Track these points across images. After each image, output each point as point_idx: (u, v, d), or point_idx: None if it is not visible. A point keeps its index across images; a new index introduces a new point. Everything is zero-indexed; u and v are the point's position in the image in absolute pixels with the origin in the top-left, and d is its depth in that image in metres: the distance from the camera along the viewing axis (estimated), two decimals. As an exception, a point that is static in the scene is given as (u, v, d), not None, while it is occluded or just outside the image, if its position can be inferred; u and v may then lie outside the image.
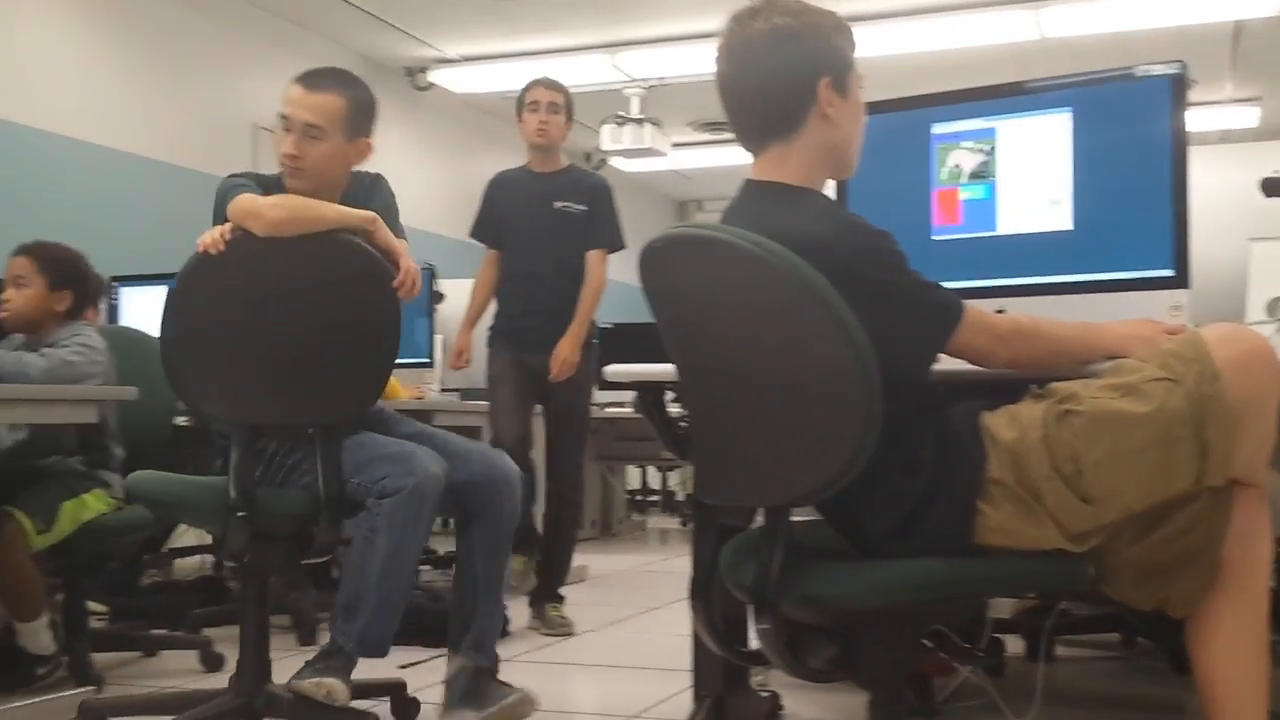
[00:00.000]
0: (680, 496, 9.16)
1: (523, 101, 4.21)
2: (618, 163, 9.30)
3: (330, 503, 2.45)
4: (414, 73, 8.32)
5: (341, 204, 2.60)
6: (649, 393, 2.30)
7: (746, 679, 2.66)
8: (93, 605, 3.60)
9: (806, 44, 1.85)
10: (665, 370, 2.15)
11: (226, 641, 3.55)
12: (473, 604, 2.74)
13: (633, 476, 8.84)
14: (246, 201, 2.45)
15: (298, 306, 2.43)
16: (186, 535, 4.78)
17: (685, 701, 2.70)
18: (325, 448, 2.45)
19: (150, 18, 6.43)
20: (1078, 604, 3.28)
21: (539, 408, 4.26)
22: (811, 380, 1.65)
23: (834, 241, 1.72)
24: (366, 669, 2.56)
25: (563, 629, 4.08)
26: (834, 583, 1.70)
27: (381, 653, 2.52)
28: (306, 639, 3.77)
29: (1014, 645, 3.23)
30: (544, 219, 4.16)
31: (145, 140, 6.22)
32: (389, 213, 2.69)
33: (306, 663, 2.50)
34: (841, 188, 2.49)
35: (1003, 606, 3.29)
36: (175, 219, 5.64)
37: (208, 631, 3.70)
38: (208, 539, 5.14)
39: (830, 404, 1.63)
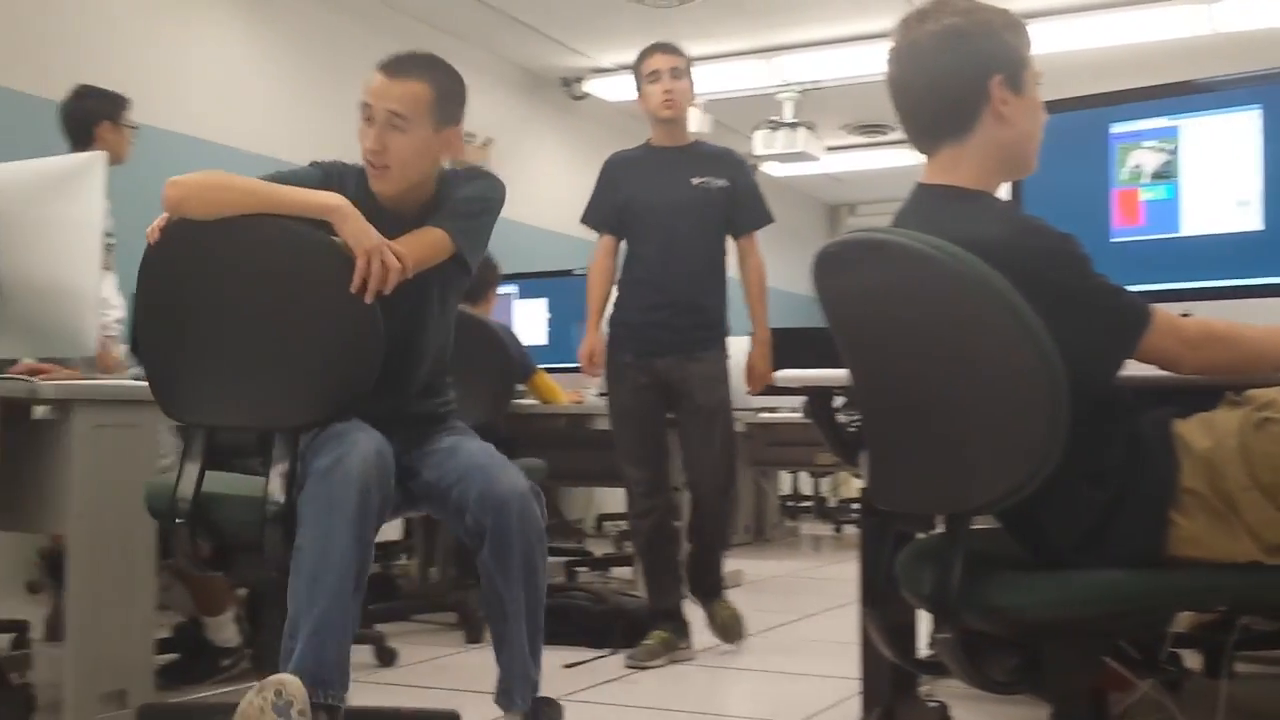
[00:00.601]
0: (832, 503, 9.09)
1: (640, 73, 3.75)
2: (770, 167, 9.27)
3: (277, 513, 2.16)
4: (569, 82, 8.43)
5: (428, 203, 2.42)
6: (818, 397, 2.30)
7: (915, 688, 2.62)
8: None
9: (977, 42, 1.82)
10: (835, 375, 2.14)
11: (397, 637, 3.67)
12: (501, 634, 2.32)
13: (784, 482, 8.80)
14: None
15: (248, 300, 2.24)
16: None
17: (850, 710, 2.68)
18: (278, 453, 2.19)
19: (314, 31, 6.66)
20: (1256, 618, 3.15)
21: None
22: (994, 385, 1.62)
23: (1015, 244, 1.69)
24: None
25: (736, 625, 3.77)
26: (1019, 593, 1.67)
27: (324, 681, 2.03)
28: (474, 637, 3.86)
29: (1190, 660, 3.11)
30: (683, 197, 3.69)
31: (309, 151, 6.39)
32: (457, 205, 2.42)
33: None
34: (1016, 189, 2.45)
35: (1177, 619, 3.18)
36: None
37: (379, 627, 3.80)
38: (378, 537, 5.30)
39: (1014, 410, 1.60)
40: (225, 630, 3.15)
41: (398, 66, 2.41)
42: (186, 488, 2.24)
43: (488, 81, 8.04)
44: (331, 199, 2.25)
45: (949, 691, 2.76)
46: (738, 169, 3.79)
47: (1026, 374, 1.58)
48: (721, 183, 3.72)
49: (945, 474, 1.70)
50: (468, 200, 2.44)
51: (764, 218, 3.81)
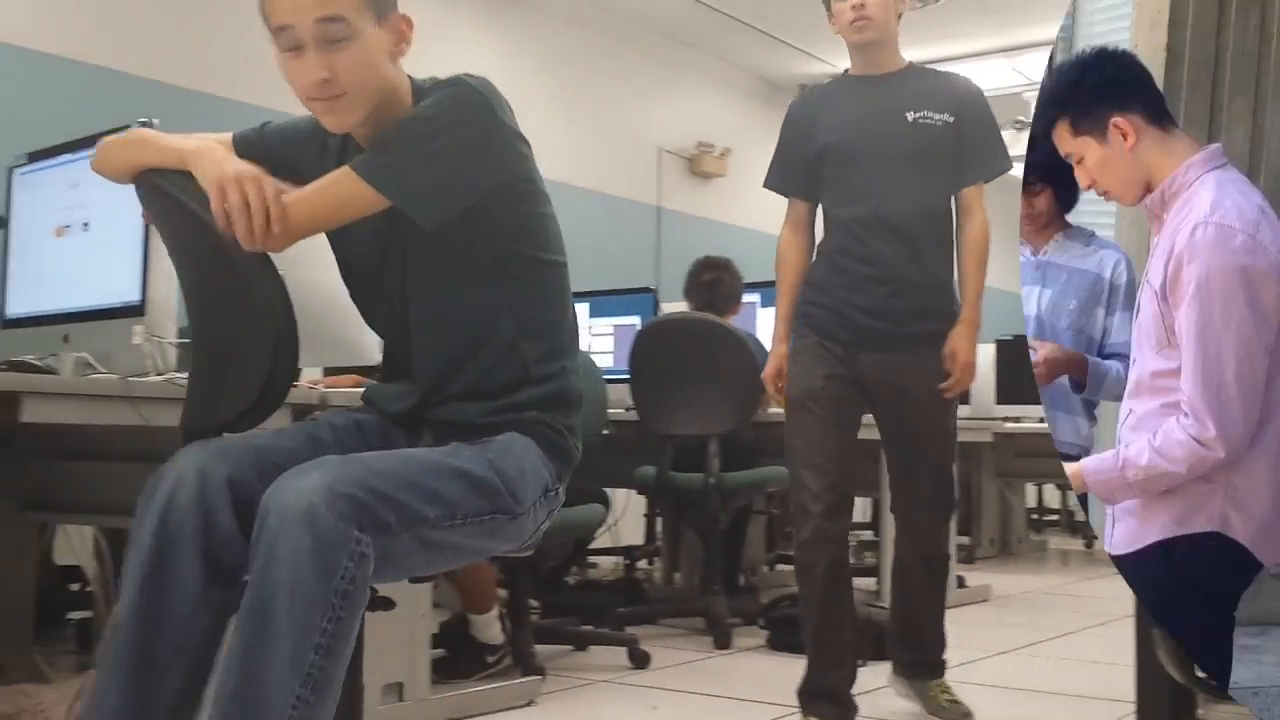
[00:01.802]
0: (1081, 516, 8.76)
1: None
2: (1018, 168, 9.04)
3: None
4: (805, 88, 8.42)
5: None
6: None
7: (1195, 711, 2.51)
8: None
9: None
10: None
11: (646, 639, 3.74)
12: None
13: (1029, 494, 8.53)
14: None
15: (186, 285, 1.88)
16: (602, 537, 5.05)
17: (1121, 732, 2.59)
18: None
19: (565, 48, 6.86)
20: None
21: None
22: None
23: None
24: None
25: (958, 714, 2.95)
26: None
27: None
28: (722, 643, 3.89)
29: None
30: (894, 137, 2.79)
31: (558, 165, 6.60)
32: (389, 133, 1.76)
33: None
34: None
35: None
36: (583, 240, 5.96)
37: (630, 629, 3.87)
38: (624, 541, 5.42)
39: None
40: (491, 628, 3.26)
41: None
42: None
43: (724, 90, 8.13)
44: (188, 142, 1.74)
45: (1223, 716, 2.63)
46: (967, 100, 2.86)
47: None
48: (945, 118, 2.80)
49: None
50: (407, 123, 1.78)
51: (998, 164, 2.87)
